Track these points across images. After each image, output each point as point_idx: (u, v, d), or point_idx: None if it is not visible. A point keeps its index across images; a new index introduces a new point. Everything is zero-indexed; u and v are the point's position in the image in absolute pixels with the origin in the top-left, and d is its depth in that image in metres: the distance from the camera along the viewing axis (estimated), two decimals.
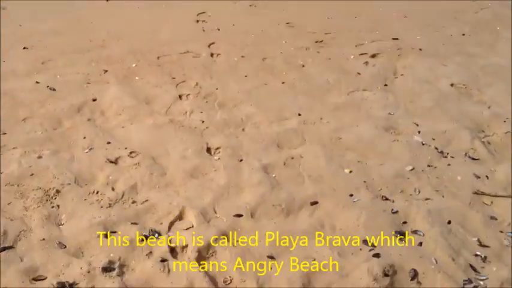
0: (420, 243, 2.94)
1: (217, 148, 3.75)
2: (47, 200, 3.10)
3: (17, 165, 3.40)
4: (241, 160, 3.61)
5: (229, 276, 2.65)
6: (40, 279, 2.55)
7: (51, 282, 2.54)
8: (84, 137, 3.77)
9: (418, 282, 2.68)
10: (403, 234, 3.00)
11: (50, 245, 2.77)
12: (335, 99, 4.57)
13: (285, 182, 3.41)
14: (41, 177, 3.30)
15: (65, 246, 2.77)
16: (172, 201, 3.14)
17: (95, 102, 4.31)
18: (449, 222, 3.12)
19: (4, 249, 2.71)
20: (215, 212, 3.09)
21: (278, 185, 3.37)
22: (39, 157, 3.51)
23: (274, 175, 3.48)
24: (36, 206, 3.04)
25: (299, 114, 4.26)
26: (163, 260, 2.70)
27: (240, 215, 3.07)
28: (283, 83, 4.85)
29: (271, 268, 2.71)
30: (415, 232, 3.02)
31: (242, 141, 3.84)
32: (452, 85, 4.89)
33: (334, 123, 4.14)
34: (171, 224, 2.98)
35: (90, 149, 3.64)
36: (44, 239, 2.80)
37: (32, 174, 3.32)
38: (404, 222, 3.11)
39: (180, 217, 3.05)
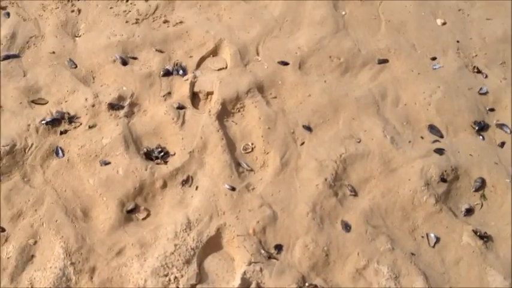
0: (502, 144, 2.31)
1: None
2: (68, 0, 2.62)
3: None
4: None
5: (252, 144, 2.22)
6: (40, 103, 2.24)
7: (50, 110, 2.22)
8: None
9: (483, 197, 2.14)
10: (484, 127, 2.35)
11: (59, 62, 2.39)
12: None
13: (355, 25, 2.69)
14: None
15: (76, 66, 2.38)
16: (211, 29, 2.57)
17: None
18: None
19: (8, 57, 2.36)
20: (257, 53, 2.53)
21: (345, 28, 2.68)
22: None
23: (344, 12, 2.75)
24: (55, 6, 2.58)
25: None
26: (180, 108, 2.27)
27: (286, 63, 2.49)
28: None
29: (303, 143, 2.23)
30: (500, 126, 2.36)
31: None
32: None
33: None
34: (202, 59, 2.48)
35: None
36: (54, 52, 2.41)
37: None
38: (492, 110, 2.43)
39: (214, 52, 2.51)
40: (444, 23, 2.74)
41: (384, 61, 2.57)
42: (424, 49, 2.62)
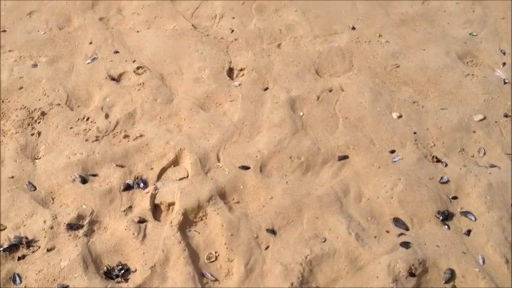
0: (468, 232, 2.28)
1: (241, 70, 3.09)
2: (28, 124, 2.68)
3: (7, 74, 2.96)
4: (266, 89, 2.96)
5: (215, 252, 2.17)
6: None
7: (8, 235, 2.18)
8: (91, 42, 3.22)
9: None
10: (448, 216, 2.33)
11: (18, 186, 2.38)
12: (404, 7, 3.63)
13: (313, 125, 2.75)
14: (30, 93, 2.86)
15: (35, 189, 2.37)
16: (171, 139, 2.61)
17: None
18: None
19: None
20: (218, 160, 2.55)
21: (304, 128, 2.73)
22: (35, 65, 3.04)
23: (302, 113, 2.82)
24: (15, 131, 2.63)
25: (353, 28, 3.43)
26: (141, 221, 2.24)
27: (247, 167, 2.51)
28: None
29: (267, 247, 2.19)
30: (465, 214, 2.35)
31: (274, 61, 3.14)
32: None
33: (395, 43, 3.30)
34: (163, 170, 2.49)
35: (94, 59, 3.10)
36: (13, 177, 2.41)
37: (20, 88, 2.88)
38: (454, 198, 2.42)
39: (175, 162, 2.53)
40: (400, 116, 2.82)
41: (343, 157, 2.60)
42: (382, 143, 2.67)
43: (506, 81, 3.04)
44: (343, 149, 2.63)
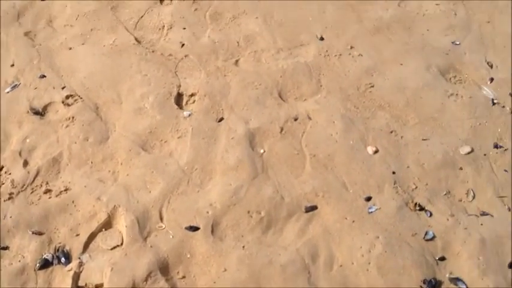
0: None
1: (191, 95, 2.64)
2: None
3: None
4: (220, 119, 2.51)
5: None
6: None
7: None
8: (13, 64, 2.71)
9: None
10: (436, 285, 1.96)
11: None
12: (378, 12, 3.20)
13: (276, 165, 2.33)
14: None
15: None
16: (103, 193, 2.16)
17: (45, 1, 3.12)
18: (511, 266, 2.03)
19: None
20: (161, 219, 2.11)
21: (264, 170, 2.31)
22: None
23: (262, 151, 2.40)
24: None
25: (321, 38, 2.98)
26: None
27: (195, 228, 2.08)
28: None
29: None
30: (455, 282, 1.98)
31: (230, 83, 2.69)
32: None
33: (369, 57, 2.87)
34: (92, 236, 2.04)
35: (14, 86, 2.60)
36: None
37: None
38: (442, 259, 2.05)
39: (107, 224, 2.09)
40: (376, 151, 2.42)
41: (312, 208, 2.20)
42: (356, 187, 2.26)
43: (494, 101, 2.66)
44: (311, 197, 2.22)
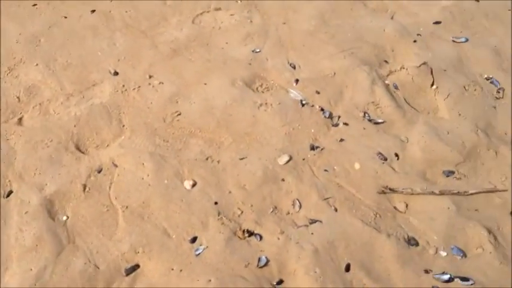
0: None
1: None
2: None
3: None
4: (8, 194, 2.17)
5: None
6: None
7: None
8: None
9: None
10: None
11: None
12: (173, 33, 3.03)
13: (85, 230, 2.05)
14: None
15: None
16: None
17: None
18: (347, 269, 1.96)
19: None
20: None
21: (71, 240, 2.03)
22: None
23: (65, 217, 2.10)
24: None
25: (115, 73, 2.72)
26: None
27: None
28: (93, 11, 3.17)
29: None
30: None
31: (15, 147, 2.33)
32: None
33: (170, 83, 2.69)
34: None
35: None
36: None
37: None
38: (280, 282, 1.91)
39: None
40: (194, 184, 2.23)
41: (133, 269, 1.94)
42: (179, 230, 2.05)
43: (303, 102, 2.62)
44: (130, 256, 1.96)
